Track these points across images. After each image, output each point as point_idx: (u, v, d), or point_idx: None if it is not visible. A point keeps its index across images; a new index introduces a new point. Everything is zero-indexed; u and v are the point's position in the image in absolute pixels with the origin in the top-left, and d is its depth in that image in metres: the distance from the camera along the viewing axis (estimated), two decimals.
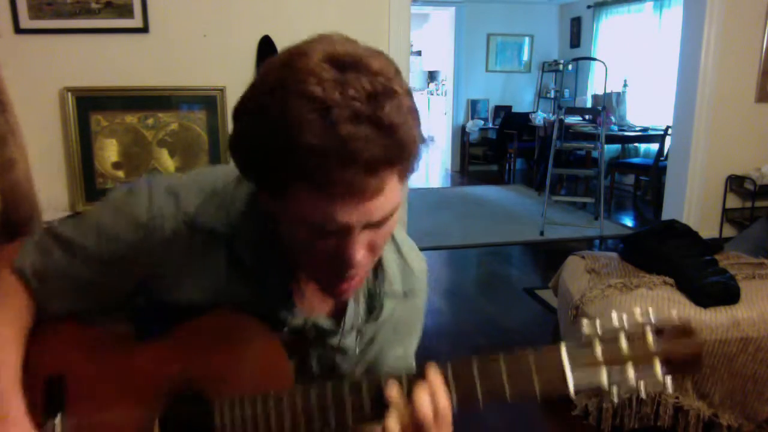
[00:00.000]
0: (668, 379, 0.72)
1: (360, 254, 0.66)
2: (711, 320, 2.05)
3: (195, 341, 0.78)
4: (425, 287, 0.92)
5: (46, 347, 0.80)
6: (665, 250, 2.34)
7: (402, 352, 0.92)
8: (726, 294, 2.10)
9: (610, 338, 0.72)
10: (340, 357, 0.85)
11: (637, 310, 0.74)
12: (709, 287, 2.11)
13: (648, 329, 0.73)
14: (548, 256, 4.35)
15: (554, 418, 2.25)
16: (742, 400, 2.09)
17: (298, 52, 0.64)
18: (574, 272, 2.50)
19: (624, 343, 0.71)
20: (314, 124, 0.59)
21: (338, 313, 0.83)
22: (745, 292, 2.13)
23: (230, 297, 0.78)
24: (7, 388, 0.74)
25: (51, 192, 2.85)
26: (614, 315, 0.73)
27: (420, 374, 0.70)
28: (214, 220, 0.77)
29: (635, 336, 0.72)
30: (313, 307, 0.82)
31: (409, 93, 0.65)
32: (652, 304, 2.09)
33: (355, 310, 0.84)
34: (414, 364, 0.96)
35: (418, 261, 0.91)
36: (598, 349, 0.71)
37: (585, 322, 0.73)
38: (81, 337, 0.81)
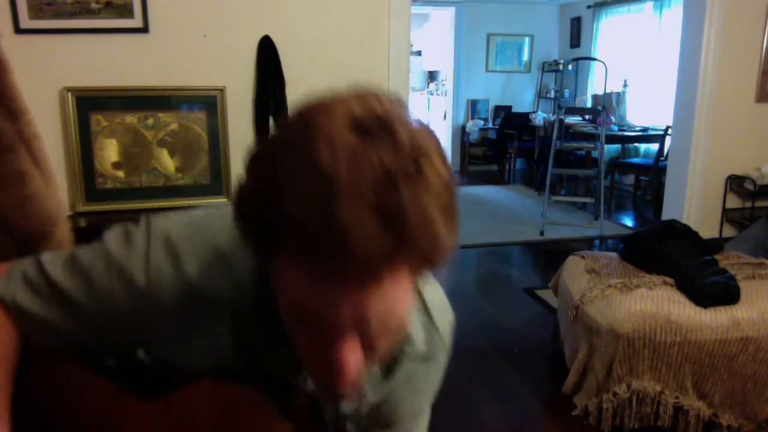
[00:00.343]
0: None
1: (351, 370, 0.56)
2: (711, 320, 2.05)
3: (190, 408, 0.71)
4: (449, 343, 0.85)
5: (43, 384, 0.73)
6: (665, 250, 2.34)
7: (417, 407, 0.85)
8: (726, 294, 2.10)
9: None
10: (350, 423, 0.80)
11: None
12: (709, 287, 2.11)
13: None
14: (548, 256, 4.35)
15: (554, 418, 2.25)
16: (742, 400, 2.09)
17: (322, 107, 0.54)
18: (574, 272, 2.50)
19: None
20: (309, 198, 0.49)
21: None
22: (745, 292, 2.13)
23: (234, 365, 0.71)
24: None
25: None
26: None
27: None
28: (218, 287, 0.68)
29: None
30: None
31: (441, 176, 0.52)
32: (652, 304, 2.09)
33: (370, 373, 0.76)
34: (424, 419, 0.90)
35: (446, 319, 0.83)
36: None
37: None
38: (77, 381, 0.74)
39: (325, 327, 0.54)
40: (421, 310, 0.79)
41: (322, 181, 0.49)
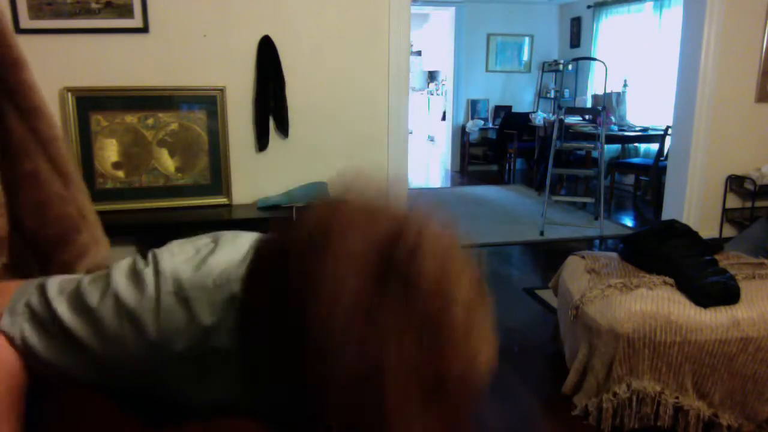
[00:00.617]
0: None
1: None
2: (711, 320, 2.05)
3: None
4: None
5: (51, 417, 0.72)
6: (665, 250, 2.34)
7: None
8: (726, 294, 2.10)
9: None
10: None
11: None
12: (709, 287, 2.11)
13: None
14: (548, 256, 4.35)
15: (554, 418, 2.25)
16: (742, 400, 2.09)
17: (324, 246, 0.48)
18: (574, 272, 2.50)
19: None
20: (352, 390, 0.46)
21: None
22: (745, 292, 2.13)
23: (245, 409, 0.69)
24: None
25: None
26: None
27: None
28: (230, 339, 0.66)
29: None
30: None
31: (473, 290, 0.51)
32: (652, 304, 2.09)
33: None
34: None
35: None
36: None
37: None
38: (90, 409, 0.73)
39: None
40: None
41: (368, 372, 0.45)
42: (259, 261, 0.55)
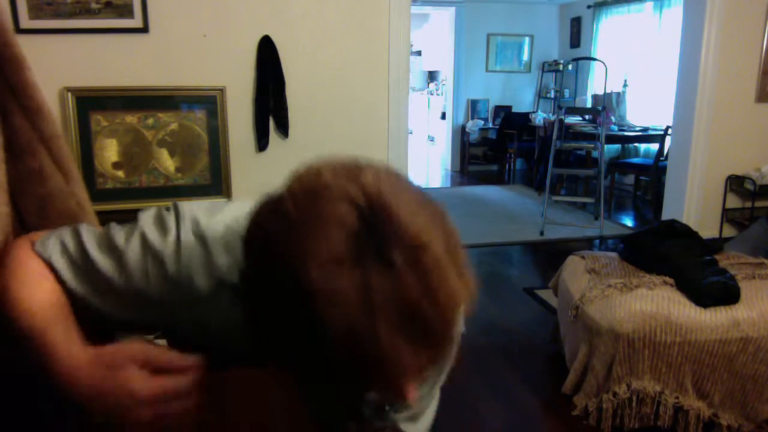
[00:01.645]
0: None
1: (413, 395, 0.60)
2: (711, 320, 2.05)
3: (216, 391, 0.73)
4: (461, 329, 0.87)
5: None
6: (665, 250, 2.34)
7: (428, 389, 0.87)
8: (726, 294, 2.10)
9: None
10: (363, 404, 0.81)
11: None
12: (709, 287, 2.11)
13: None
14: (548, 256, 4.35)
15: (554, 418, 2.25)
16: (742, 400, 2.09)
17: (302, 252, 0.52)
18: (574, 272, 2.50)
19: None
20: (343, 352, 0.51)
21: None
22: (745, 292, 2.13)
23: (258, 360, 0.72)
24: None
25: None
26: None
27: None
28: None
29: None
30: None
31: (444, 242, 0.54)
32: (652, 304, 2.09)
33: None
34: (436, 400, 0.93)
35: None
36: None
37: None
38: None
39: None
40: None
41: (349, 338, 0.50)
42: (253, 225, 0.59)
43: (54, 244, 0.77)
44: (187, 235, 0.73)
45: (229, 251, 0.72)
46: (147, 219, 0.76)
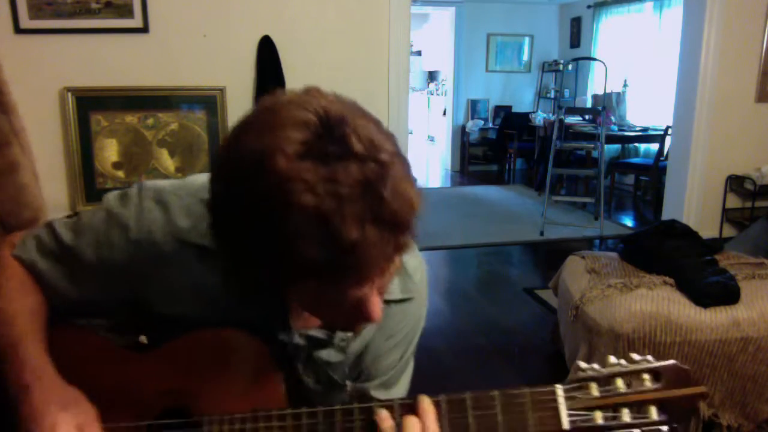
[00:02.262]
0: (664, 428, 0.69)
1: (378, 308, 0.65)
2: (711, 320, 2.05)
3: (186, 356, 0.77)
4: (425, 294, 0.89)
5: (51, 347, 0.79)
6: (665, 250, 2.34)
7: (392, 360, 0.89)
8: (726, 294, 2.10)
9: (606, 381, 0.70)
10: (331, 368, 0.84)
11: (635, 355, 0.71)
12: (709, 287, 2.11)
13: (645, 373, 0.70)
14: (548, 256, 4.35)
15: None
16: (742, 400, 2.09)
17: (269, 146, 0.55)
18: (574, 272, 2.50)
19: (621, 387, 0.69)
20: (315, 238, 0.54)
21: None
22: (745, 292, 2.13)
23: (224, 313, 0.76)
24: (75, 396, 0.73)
25: (51, 192, 2.84)
26: (612, 357, 0.71)
27: (413, 406, 0.68)
28: (206, 237, 0.72)
29: (633, 379, 0.70)
30: (306, 318, 0.80)
31: (397, 153, 0.59)
32: (652, 304, 2.09)
33: None
34: (410, 369, 0.94)
35: (419, 268, 0.87)
36: (595, 392, 0.70)
37: (582, 364, 0.72)
38: (78, 343, 0.81)
39: (349, 303, 0.62)
40: None
41: (319, 222, 0.54)
42: (224, 142, 0.62)
43: (31, 242, 0.82)
44: (148, 203, 0.77)
45: (189, 215, 0.76)
46: (111, 196, 0.81)
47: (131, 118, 2.90)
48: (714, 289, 2.11)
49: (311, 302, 0.67)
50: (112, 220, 0.77)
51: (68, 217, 0.84)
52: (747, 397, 2.08)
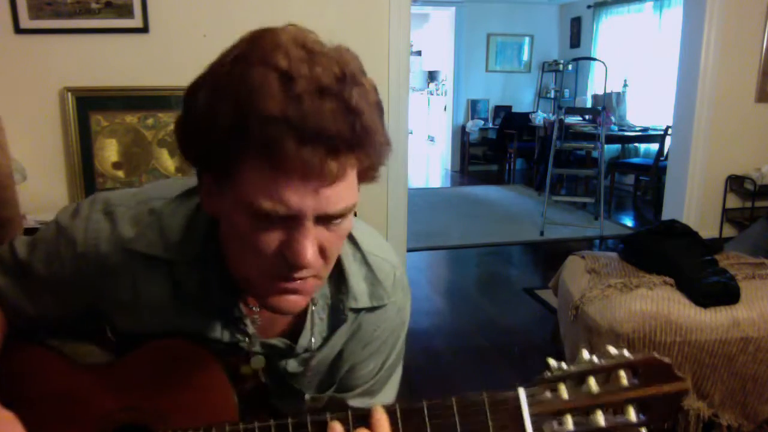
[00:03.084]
0: (643, 430, 0.62)
1: (311, 252, 0.60)
2: (711, 320, 2.05)
3: (139, 371, 0.76)
4: (402, 298, 0.85)
5: (3, 366, 0.78)
6: (665, 250, 2.34)
7: (373, 367, 0.86)
8: (726, 294, 2.10)
9: (577, 379, 0.63)
10: (292, 379, 0.81)
11: (612, 349, 0.64)
12: (709, 287, 2.11)
13: (621, 369, 0.62)
14: (548, 256, 4.35)
15: None
16: (742, 400, 2.09)
17: (266, 30, 0.61)
18: (574, 272, 2.50)
19: (594, 386, 0.62)
20: (275, 92, 0.55)
21: (295, 333, 0.79)
22: (745, 292, 2.13)
23: (177, 325, 0.75)
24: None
25: (51, 192, 2.85)
26: (584, 353, 0.64)
27: (366, 416, 0.65)
28: (152, 246, 0.73)
29: (607, 377, 0.63)
30: (267, 329, 0.78)
31: (375, 90, 0.62)
32: (652, 304, 2.09)
33: (316, 327, 0.79)
34: (397, 375, 0.92)
35: (390, 273, 0.82)
36: (564, 394, 0.64)
37: (552, 362, 0.66)
38: (37, 361, 0.79)
39: (287, 220, 0.59)
40: (360, 262, 0.80)
41: (285, 78, 0.55)
42: (194, 88, 0.65)
43: None
44: (96, 214, 0.75)
45: (136, 224, 0.74)
46: (64, 210, 0.80)
47: (131, 118, 2.90)
48: (714, 289, 2.11)
49: (244, 223, 0.61)
50: (61, 234, 0.76)
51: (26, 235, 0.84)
52: (747, 397, 2.08)
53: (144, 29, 2.87)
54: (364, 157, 0.60)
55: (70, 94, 2.80)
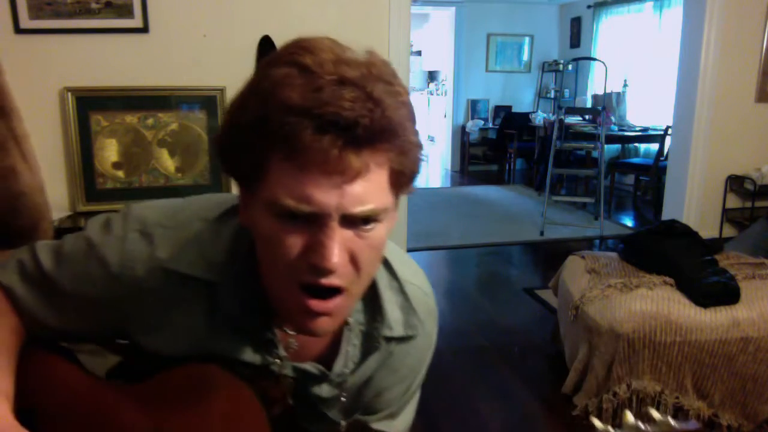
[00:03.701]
0: None
1: (336, 254, 0.58)
2: (711, 320, 2.05)
3: (168, 395, 0.73)
4: (432, 326, 0.85)
5: (26, 375, 0.74)
6: (665, 250, 2.34)
7: (399, 392, 0.86)
8: (726, 294, 2.10)
9: None
10: (324, 404, 0.80)
11: (655, 414, 0.63)
12: (708, 287, 2.11)
13: None
14: (548, 256, 4.35)
15: (554, 418, 2.25)
16: (742, 400, 2.09)
17: (299, 38, 0.61)
18: (574, 272, 2.50)
19: None
20: (297, 83, 0.55)
21: (327, 359, 0.78)
22: (745, 292, 2.13)
23: (208, 347, 0.73)
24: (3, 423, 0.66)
25: (51, 192, 2.82)
26: (629, 416, 0.64)
27: None
28: (193, 266, 0.71)
29: None
30: (300, 353, 0.77)
31: (407, 93, 0.62)
32: (652, 304, 2.09)
33: (348, 354, 0.77)
34: (416, 398, 0.92)
35: (424, 301, 0.82)
36: None
37: (596, 423, 0.65)
38: (61, 373, 0.76)
39: (310, 217, 0.58)
40: (396, 290, 0.79)
41: (308, 72, 0.55)
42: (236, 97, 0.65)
43: (12, 266, 0.77)
44: (133, 234, 0.73)
45: (174, 246, 0.72)
46: (93, 223, 0.76)
47: (131, 118, 2.90)
48: (714, 289, 2.11)
49: (271, 225, 0.60)
50: (93, 251, 0.73)
51: (56, 235, 0.81)
52: (747, 397, 2.08)
53: (144, 29, 2.87)
54: (390, 154, 0.59)
55: (70, 94, 2.80)
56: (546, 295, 3.28)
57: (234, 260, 0.71)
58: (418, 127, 0.63)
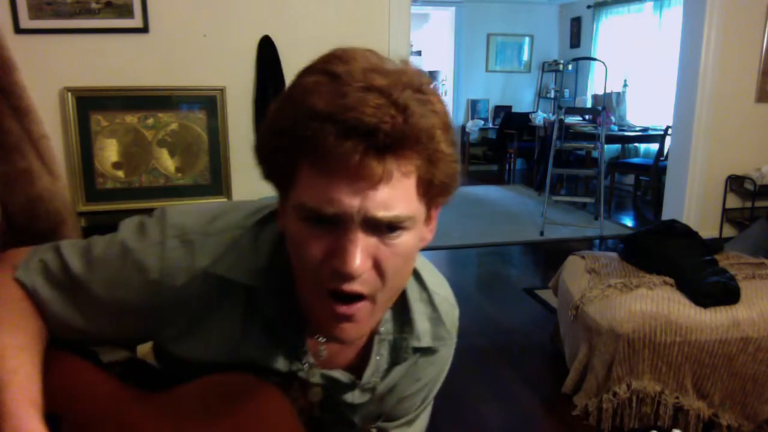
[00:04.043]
0: None
1: (358, 259, 0.57)
2: (711, 320, 2.05)
3: (198, 403, 0.71)
4: (454, 337, 0.86)
5: (51, 380, 0.72)
6: (665, 250, 2.34)
7: (419, 399, 0.87)
8: (726, 294, 2.10)
9: None
10: (351, 410, 0.80)
11: None
12: (708, 287, 2.11)
13: None
14: (548, 256, 4.35)
15: (554, 418, 2.25)
16: (742, 400, 2.09)
17: (337, 48, 0.63)
18: (574, 272, 2.50)
19: None
20: (324, 90, 0.56)
21: (358, 368, 0.78)
22: (745, 292, 2.13)
23: (240, 353, 0.73)
24: (21, 414, 0.64)
25: None
26: None
27: None
28: (233, 271, 0.71)
29: None
30: (329, 361, 0.77)
31: (441, 103, 0.60)
32: (652, 304, 2.09)
33: (377, 363, 0.78)
34: (431, 405, 0.93)
35: (452, 312, 0.84)
36: None
37: None
38: (85, 378, 0.75)
39: (333, 220, 0.58)
40: (426, 301, 0.80)
41: (336, 79, 0.56)
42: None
43: (36, 266, 0.74)
44: (172, 241, 0.71)
45: (213, 254, 0.71)
46: (128, 226, 0.75)
47: (131, 118, 2.90)
48: (714, 289, 2.11)
49: (299, 229, 0.60)
50: (129, 257, 0.71)
51: (84, 233, 0.79)
52: (747, 397, 2.08)
53: (144, 29, 2.87)
54: (417, 162, 0.58)
55: (70, 94, 2.80)
56: (546, 295, 3.28)
57: (272, 266, 0.71)
58: (455, 137, 0.62)
